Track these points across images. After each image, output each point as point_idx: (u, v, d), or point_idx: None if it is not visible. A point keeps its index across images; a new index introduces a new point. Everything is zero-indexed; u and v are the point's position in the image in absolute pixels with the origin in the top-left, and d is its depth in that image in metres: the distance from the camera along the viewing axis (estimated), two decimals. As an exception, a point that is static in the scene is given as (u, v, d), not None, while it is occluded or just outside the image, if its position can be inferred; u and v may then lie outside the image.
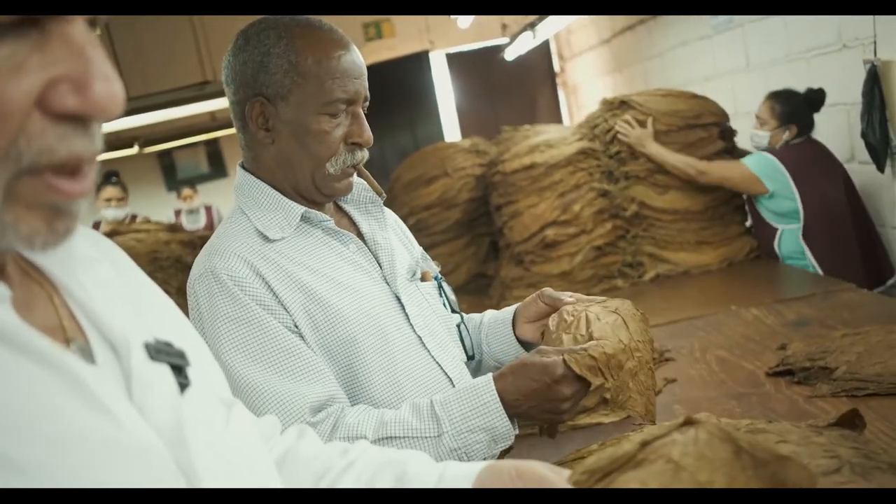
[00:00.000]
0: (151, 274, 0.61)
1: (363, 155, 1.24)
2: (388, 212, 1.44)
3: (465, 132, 7.13)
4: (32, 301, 0.53)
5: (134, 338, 0.57)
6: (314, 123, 1.19)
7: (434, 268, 1.41)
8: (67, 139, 0.45)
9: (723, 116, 3.29)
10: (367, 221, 1.34)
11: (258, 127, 1.22)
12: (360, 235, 1.31)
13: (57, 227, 0.47)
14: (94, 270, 0.60)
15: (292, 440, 0.83)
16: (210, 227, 6.19)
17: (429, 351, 1.26)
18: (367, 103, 1.24)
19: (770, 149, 3.09)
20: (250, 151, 1.27)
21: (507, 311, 1.42)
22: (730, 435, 0.61)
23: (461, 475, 0.71)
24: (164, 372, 0.58)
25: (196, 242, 4.20)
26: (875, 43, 2.86)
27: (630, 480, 0.60)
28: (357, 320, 1.19)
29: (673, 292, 2.90)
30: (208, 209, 6.46)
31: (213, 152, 7.67)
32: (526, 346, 1.37)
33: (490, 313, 1.48)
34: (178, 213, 6.36)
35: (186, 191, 6.35)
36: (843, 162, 3.09)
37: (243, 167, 1.29)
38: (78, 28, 0.45)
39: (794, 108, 3.05)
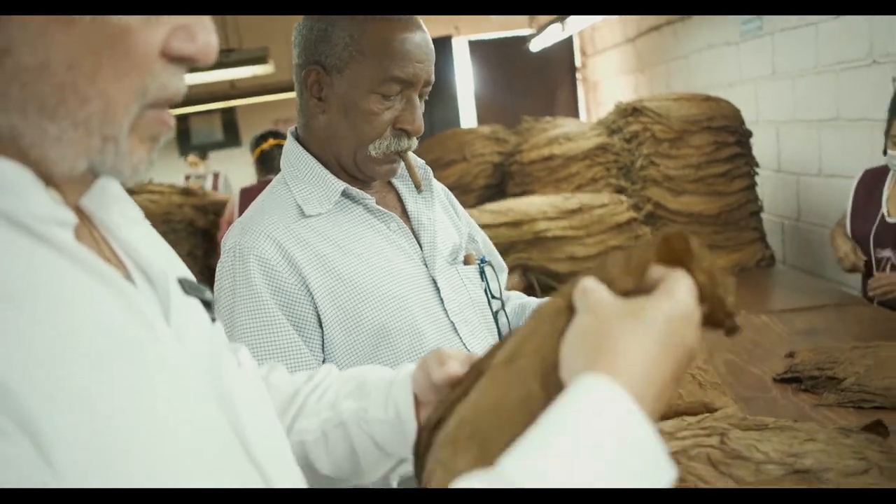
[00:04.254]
0: (164, 235, 0.67)
1: (410, 143, 1.22)
2: (438, 185, 1.42)
3: (482, 120, 7.10)
4: (79, 233, 0.55)
5: (168, 272, 0.60)
6: (364, 102, 1.18)
7: (481, 251, 1.39)
8: (175, 78, 0.52)
9: (736, 119, 3.31)
10: (413, 200, 1.32)
11: (311, 95, 1.22)
12: (405, 212, 1.31)
13: (152, 157, 0.54)
14: (126, 210, 0.62)
15: (264, 373, 0.90)
16: (214, 194, 6.30)
17: (461, 338, 1.24)
18: (429, 88, 1.23)
19: None
20: (303, 118, 1.27)
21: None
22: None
23: (405, 372, 0.78)
24: (197, 306, 0.63)
25: (209, 208, 4.21)
26: (905, 61, 2.84)
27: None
28: (385, 303, 1.18)
29: (682, 294, 2.90)
30: (215, 176, 6.54)
31: (229, 121, 7.67)
32: None
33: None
34: (187, 177, 6.46)
35: (191, 157, 6.60)
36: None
37: (294, 135, 1.29)
38: None
39: None
